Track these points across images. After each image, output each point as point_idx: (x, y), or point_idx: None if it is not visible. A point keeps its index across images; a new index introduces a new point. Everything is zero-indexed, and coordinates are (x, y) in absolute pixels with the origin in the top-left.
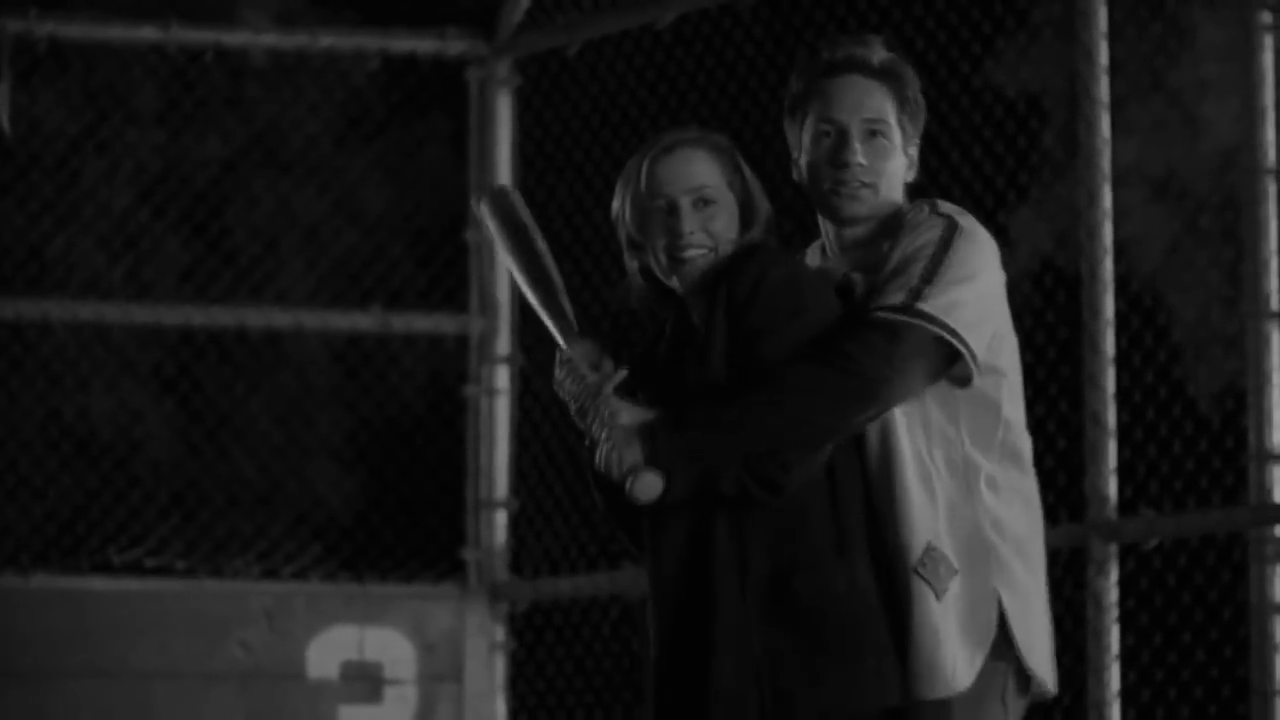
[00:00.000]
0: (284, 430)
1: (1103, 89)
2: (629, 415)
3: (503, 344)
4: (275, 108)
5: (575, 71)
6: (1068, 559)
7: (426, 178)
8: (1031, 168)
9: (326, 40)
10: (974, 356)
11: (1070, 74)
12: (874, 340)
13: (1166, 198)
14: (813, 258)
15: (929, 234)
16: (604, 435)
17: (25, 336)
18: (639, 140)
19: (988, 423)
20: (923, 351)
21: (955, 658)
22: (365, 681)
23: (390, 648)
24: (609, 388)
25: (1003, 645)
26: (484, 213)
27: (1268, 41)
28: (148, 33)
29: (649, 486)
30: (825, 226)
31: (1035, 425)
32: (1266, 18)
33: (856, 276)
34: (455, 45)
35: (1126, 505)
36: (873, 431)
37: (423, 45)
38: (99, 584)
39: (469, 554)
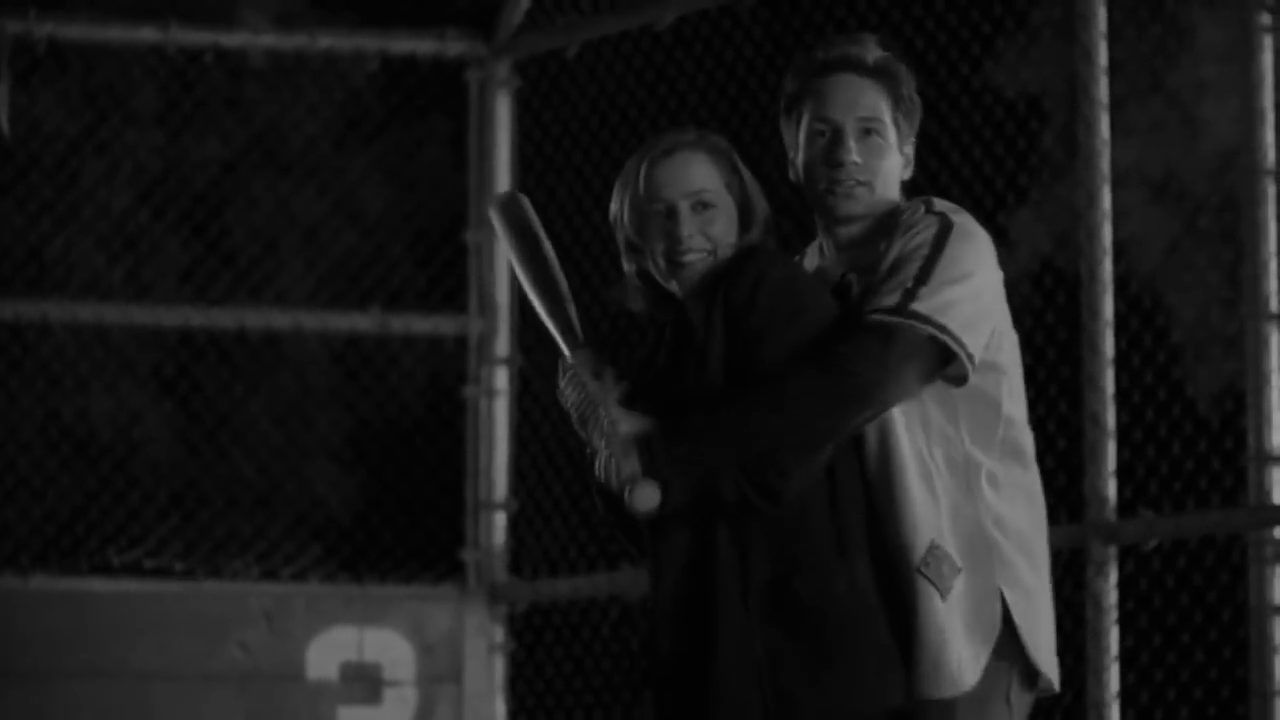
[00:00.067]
0: (283, 431)
1: (1102, 90)
2: (629, 425)
3: (502, 345)
4: (274, 109)
5: (574, 73)
6: (1067, 560)
7: (426, 179)
8: (1031, 169)
9: (326, 41)
10: (969, 355)
11: (1070, 75)
12: (868, 343)
13: (1166, 199)
14: (810, 257)
15: (923, 233)
16: (604, 445)
17: (25, 337)
18: (638, 141)
19: (988, 420)
20: (917, 352)
21: (960, 656)
22: (364, 682)
23: (389, 649)
24: (610, 397)
25: (1007, 643)
26: (493, 218)
27: (1267, 42)
28: (147, 34)
29: (647, 498)
30: (822, 225)
31: (1035, 426)
32: (1266, 18)
33: (853, 277)
34: (455, 46)
35: (1126, 506)
36: (872, 432)
37: (422, 46)
38: (98, 585)
39: (468, 555)
